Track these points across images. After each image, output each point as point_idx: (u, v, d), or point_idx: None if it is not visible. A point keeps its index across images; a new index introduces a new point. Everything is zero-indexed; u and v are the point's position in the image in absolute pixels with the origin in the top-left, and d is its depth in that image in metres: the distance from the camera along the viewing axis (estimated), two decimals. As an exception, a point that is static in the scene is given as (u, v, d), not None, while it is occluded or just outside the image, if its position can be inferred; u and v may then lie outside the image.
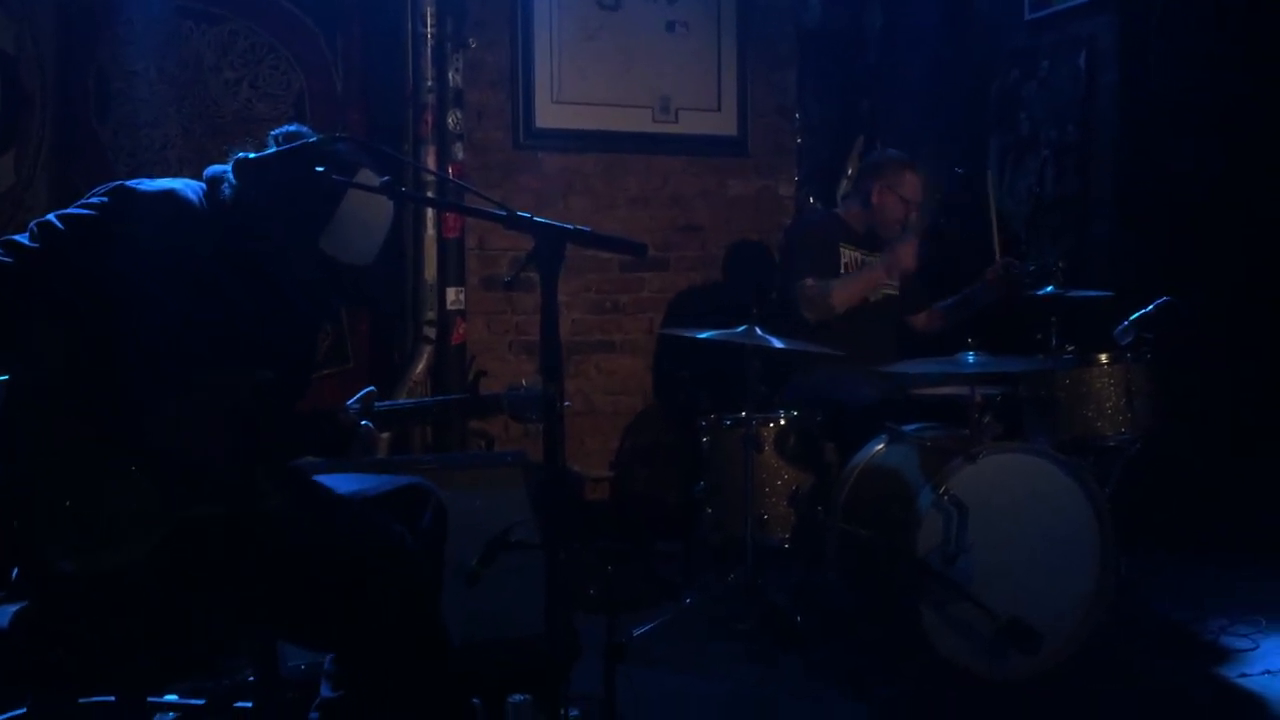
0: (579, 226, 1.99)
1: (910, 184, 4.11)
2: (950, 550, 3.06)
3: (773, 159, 5.09)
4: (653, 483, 4.83)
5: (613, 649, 2.37)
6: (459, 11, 4.37)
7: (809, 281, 3.99)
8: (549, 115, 4.69)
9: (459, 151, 4.37)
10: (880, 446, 3.49)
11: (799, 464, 3.65)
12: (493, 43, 4.63)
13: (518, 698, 2.69)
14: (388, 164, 2.35)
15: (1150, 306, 3.57)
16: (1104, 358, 3.54)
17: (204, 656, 2.25)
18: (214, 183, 2.19)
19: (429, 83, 4.29)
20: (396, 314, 4.38)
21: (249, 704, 2.68)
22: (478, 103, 4.58)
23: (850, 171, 5.06)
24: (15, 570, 2.09)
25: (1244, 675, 3.19)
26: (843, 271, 4.09)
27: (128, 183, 2.16)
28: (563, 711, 2.22)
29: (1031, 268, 3.94)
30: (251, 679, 2.64)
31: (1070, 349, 3.58)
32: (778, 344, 3.56)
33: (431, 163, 4.26)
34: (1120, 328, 3.58)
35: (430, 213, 4.32)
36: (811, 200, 5.16)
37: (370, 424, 2.30)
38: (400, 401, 2.56)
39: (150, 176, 2.26)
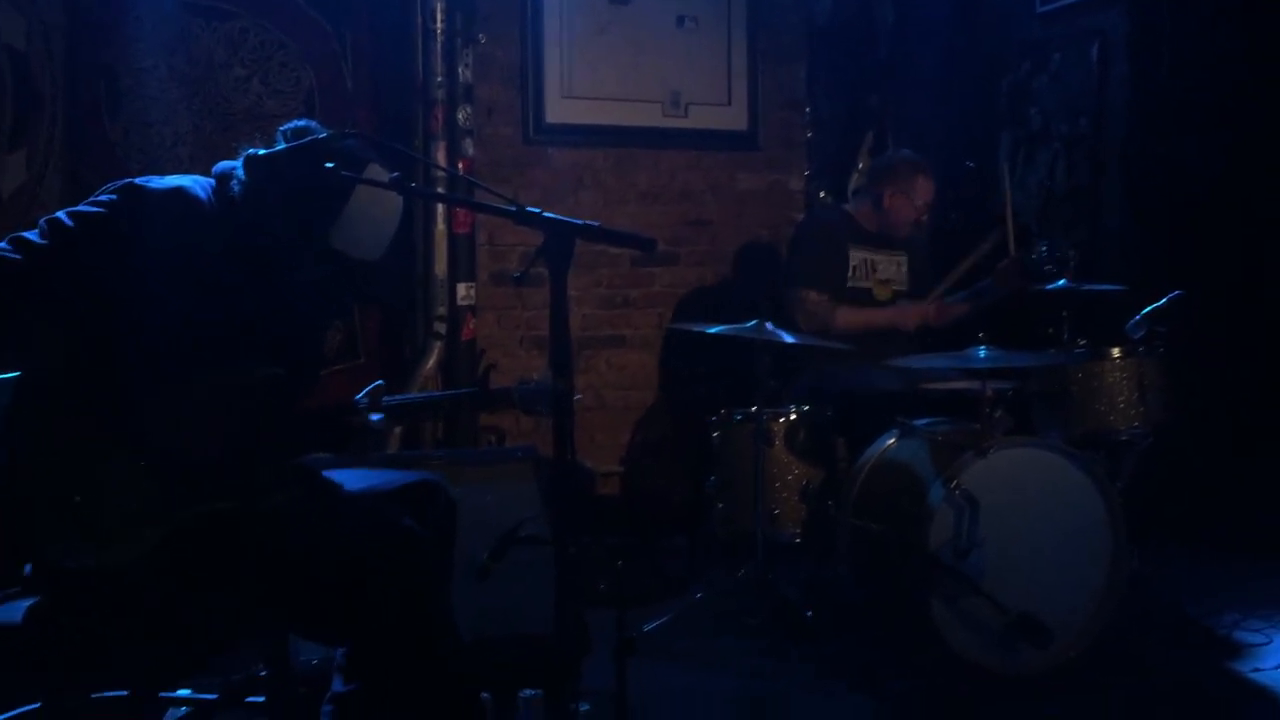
0: (589, 222, 1.99)
1: (922, 188, 4.11)
2: (961, 545, 3.06)
3: (783, 153, 5.08)
4: (663, 478, 4.83)
5: (623, 644, 2.37)
6: (469, 7, 4.37)
7: (812, 295, 3.99)
8: (559, 110, 4.69)
9: (469, 147, 4.37)
10: (891, 441, 3.48)
11: (810, 459, 3.65)
12: (502, 38, 4.62)
13: (528, 692, 2.70)
14: (397, 160, 2.35)
15: (1163, 300, 3.55)
16: (1116, 352, 3.53)
17: (215, 651, 2.25)
18: (223, 179, 2.19)
19: (439, 78, 4.29)
20: (407, 309, 4.39)
21: (261, 698, 2.68)
22: (488, 98, 4.58)
23: (861, 166, 5.05)
24: (28, 566, 2.10)
25: (1257, 670, 3.17)
26: (850, 274, 4.09)
27: (137, 180, 2.16)
28: (573, 706, 2.23)
29: (1044, 248, 3.92)
30: (263, 673, 2.65)
31: (1082, 343, 3.57)
32: (788, 339, 3.56)
33: (441, 158, 4.26)
34: (1132, 322, 3.57)
35: (440, 208, 4.32)
36: (822, 195, 5.15)
37: (380, 416, 2.30)
38: (409, 395, 2.56)
39: (161, 173, 2.26)
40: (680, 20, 4.86)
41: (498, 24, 4.60)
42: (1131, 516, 3.22)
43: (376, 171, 2.14)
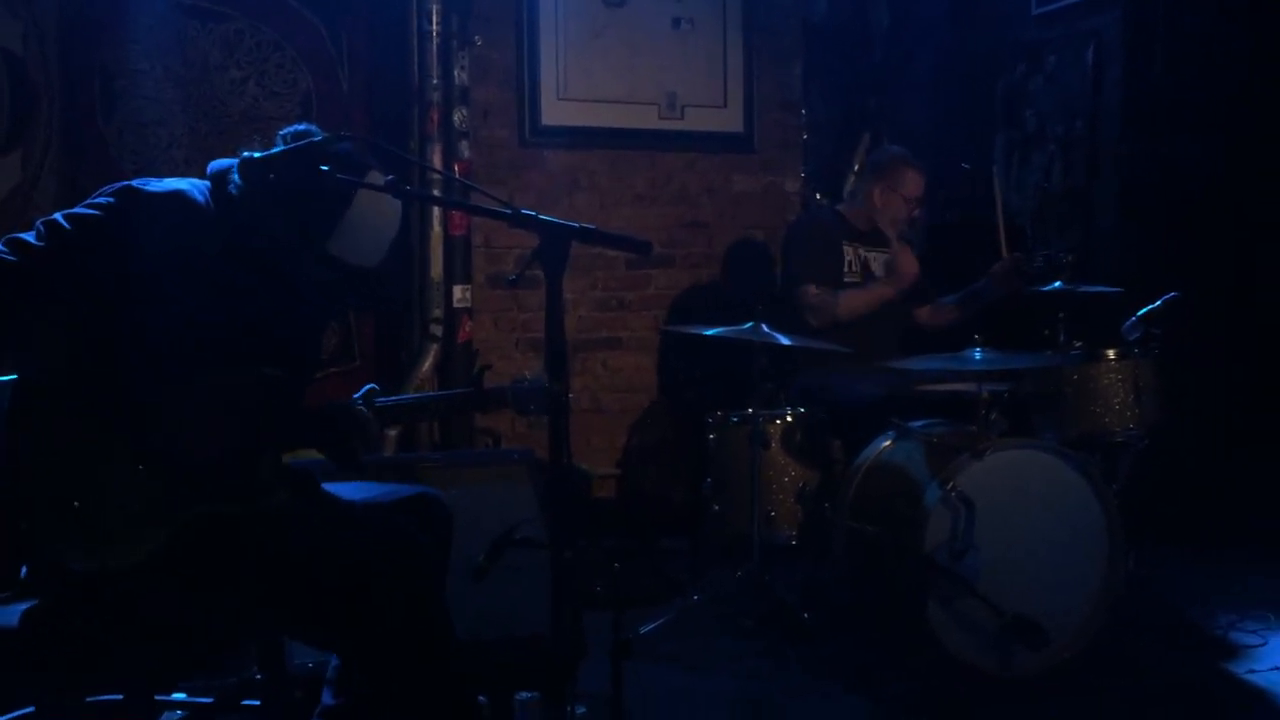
0: (584, 224, 1.99)
1: (912, 182, 4.11)
2: (957, 546, 3.06)
3: (779, 155, 5.09)
4: (659, 480, 4.83)
5: (619, 646, 2.37)
6: (464, 9, 4.37)
7: (813, 289, 3.99)
8: (555, 112, 4.69)
9: (465, 149, 4.37)
10: (887, 443, 3.48)
11: (806, 461, 3.65)
12: (498, 40, 4.62)
13: (525, 695, 2.70)
14: (393, 163, 2.35)
15: (1158, 302, 3.56)
16: (1111, 353, 3.53)
17: (211, 654, 2.25)
18: (219, 180, 2.19)
19: (435, 80, 4.29)
20: (403, 312, 4.38)
21: (256, 702, 2.68)
22: (483, 100, 4.58)
23: (857, 168, 5.06)
24: (24, 569, 2.09)
25: (1252, 671, 3.18)
26: (845, 270, 4.09)
27: (134, 183, 2.16)
28: (570, 709, 2.22)
29: (1040, 259, 3.93)
30: (259, 677, 2.65)
31: (1078, 345, 3.57)
32: (784, 341, 3.56)
33: (437, 161, 4.26)
34: (1128, 323, 3.58)
35: (436, 211, 4.33)
36: (818, 196, 5.16)
37: (366, 410, 2.28)
38: (404, 397, 2.55)
39: (156, 175, 2.26)
40: (676, 22, 4.86)
41: (493, 26, 4.60)
42: (1127, 518, 3.23)
43: (374, 177, 2.14)
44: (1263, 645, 3.35)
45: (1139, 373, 3.51)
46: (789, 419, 3.66)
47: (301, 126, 2.22)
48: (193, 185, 2.20)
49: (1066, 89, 4.72)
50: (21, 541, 2.01)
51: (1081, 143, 4.65)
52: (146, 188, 2.15)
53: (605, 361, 4.86)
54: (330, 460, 2.28)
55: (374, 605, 2.08)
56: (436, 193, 4.33)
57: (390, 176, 2.15)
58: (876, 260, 4.16)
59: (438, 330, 4.32)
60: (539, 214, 1.96)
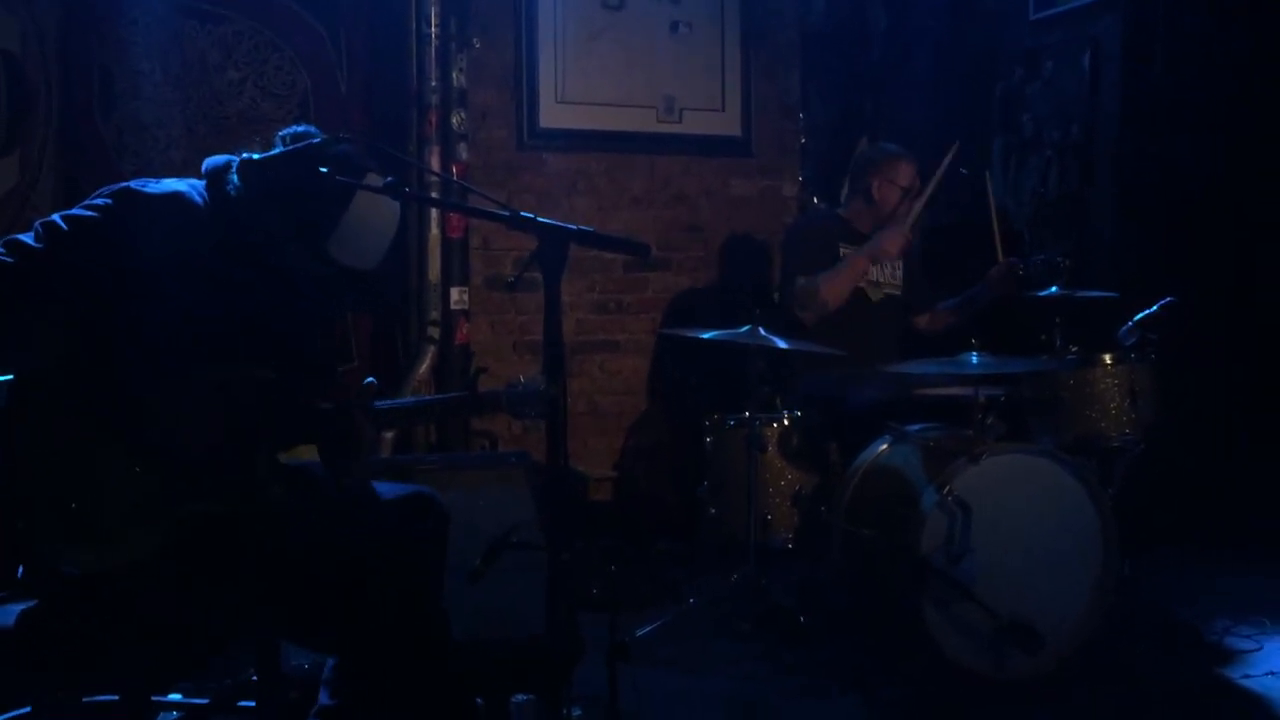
0: (582, 227, 1.99)
1: (906, 173, 4.11)
2: (953, 550, 3.06)
3: (777, 159, 5.09)
4: (656, 483, 4.83)
5: (616, 649, 2.37)
6: (463, 11, 4.38)
7: (800, 280, 3.99)
8: (553, 115, 4.70)
9: (463, 151, 4.38)
10: (884, 447, 3.49)
11: (802, 464, 3.66)
12: (497, 43, 4.63)
13: (521, 698, 2.70)
14: (392, 164, 2.35)
15: (1154, 307, 3.57)
16: (1108, 358, 3.54)
17: (207, 654, 2.25)
18: (215, 178, 2.19)
19: (433, 83, 4.29)
20: (400, 314, 4.38)
21: (252, 703, 2.68)
22: (482, 103, 4.58)
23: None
24: (20, 569, 2.09)
25: (1247, 676, 3.18)
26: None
27: (132, 184, 2.16)
28: (566, 711, 2.23)
29: (1037, 264, 3.94)
30: (254, 678, 2.64)
31: (1074, 349, 3.58)
32: (781, 344, 3.56)
33: (435, 163, 4.26)
34: (1124, 328, 3.58)
35: (434, 213, 4.33)
36: (815, 200, 5.16)
37: (364, 413, 2.28)
38: (398, 400, 2.55)
39: (155, 176, 2.26)
40: (674, 26, 4.87)
41: (492, 29, 4.60)
42: (1122, 522, 3.23)
43: (373, 179, 2.14)
44: (1258, 650, 3.36)
45: (1135, 377, 3.52)
46: (786, 422, 3.67)
47: (300, 128, 2.22)
48: (190, 186, 2.20)
49: (1064, 93, 4.73)
50: (18, 541, 2.01)
51: (1078, 147, 4.66)
52: (145, 189, 2.15)
53: (603, 364, 4.86)
54: (324, 464, 2.28)
55: (369, 604, 2.08)
56: (435, 195, 4.34)
57: (389, 178, 2.15)
58: (876, 265, 4.16)
59: (435, 332, 4.33)
60: (537, 216, 1.97)
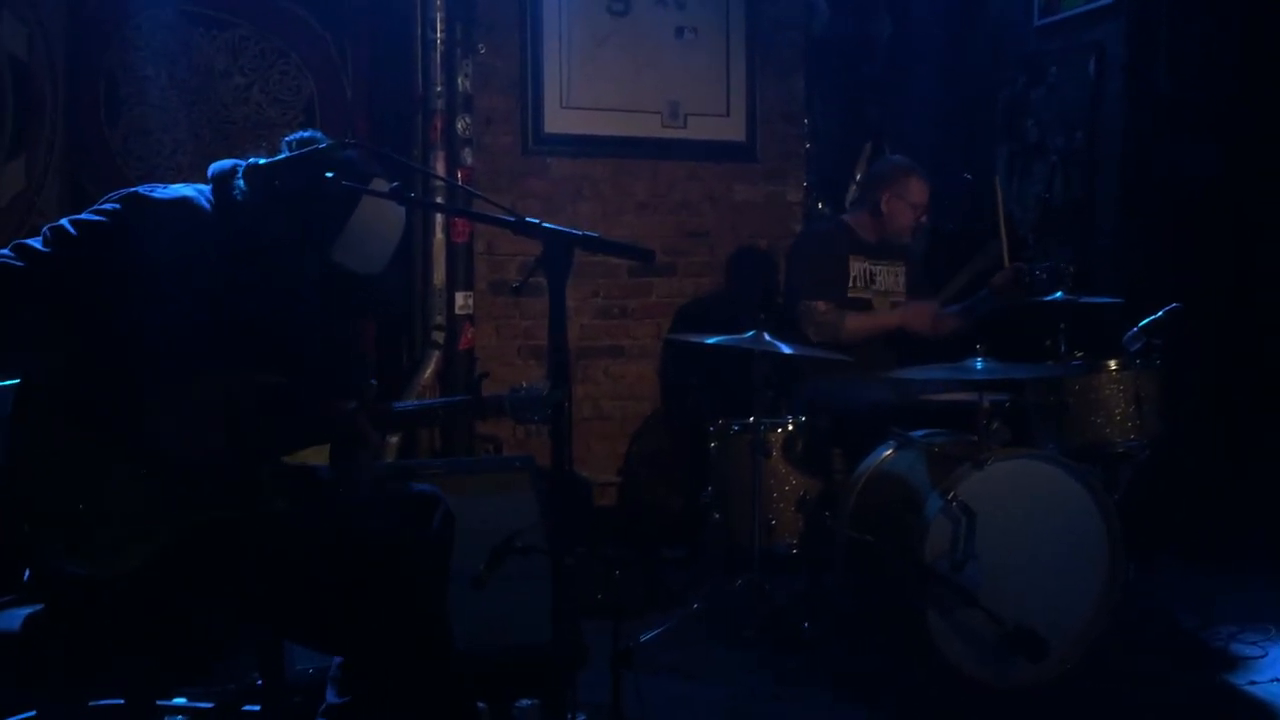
0: (587, 232, 2.00)
1: (916, 190, 4.12)
2: (958, 556, 3.06)
3: (781, 165, 5.10)
4: (660, 488, 4.83)
5: (619, 654, 2.37)
6: (468, 17, 4.38)
7: (820, 306, 4.00)
8: (558, 120, 4.70)
9: (468, 157, 4.38)
10: (888, 452, 3.49)
11: (807, 470, 3.65)
12: (502, 48, 4.64)
13: (525, 703, 2.70)
14: (397, 170, 2.36)
15: (1159, 313, 3.56)
16: (1113, 364, 3.54)
17: (213, 658, 2.26)
18: (222, 183, 2.19)
19: (438, 88, 4.30)
20: (405, 318, 4.39)
21: (256, 707, 2.68)
22: (487, 108, 4.59)
23: (859, 177, 5.07)
24: (26, 573, 2.10)
25: (1253, 683, 3.18)
26: (850, 285, 4.10)
27: (140, 189, 2.17)
28: (569, 717, 2.22)
29: (1042, 270, 3.94)
30: (259, 682, 2.65)
31: (1079, 355, 3.57)
32: (786, 350, 3.56)
33: (440, 168, 4.27)
34: (1129, 334, 3.58)
35: (439, 218, 4.33)
36: (820, 206, 5.16)
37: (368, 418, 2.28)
38: (401, 404, 2.55)
39: (160, 181, 2.27)
40: (679, 31, 4.87)
41: (497, 34, 4.61)
42: (1127, 528, 3.23)
43: (379, 184, 2.14)
44: (1263, 657, 3.35)
45: (1140, 383, 3.51)
46: (790, 428, 3.67)
47: (306, 134, 2.23)
48: (198, 191, 2.21)
49: (1067, 100, 4.73)
50: (24, 545, 2.02)
51: (1082, 154, 4.66)
52: (153, 194, 2.16)
53: (607, 369, 4.86)
54: (331, 467, 2.28)
55: (373, 608, 2.08)
56: (440, 200, 4.34)
57: (394, 183, 2.16)
58: (882, 273, 4.17)
59: (440, 337, 4.33)
60: (542, 222, 1.97)
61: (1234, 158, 4.36)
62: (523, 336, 4.71)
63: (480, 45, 4.47)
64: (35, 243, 2.06)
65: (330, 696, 2.21)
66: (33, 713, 2.19)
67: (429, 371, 4.30)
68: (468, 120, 4.37)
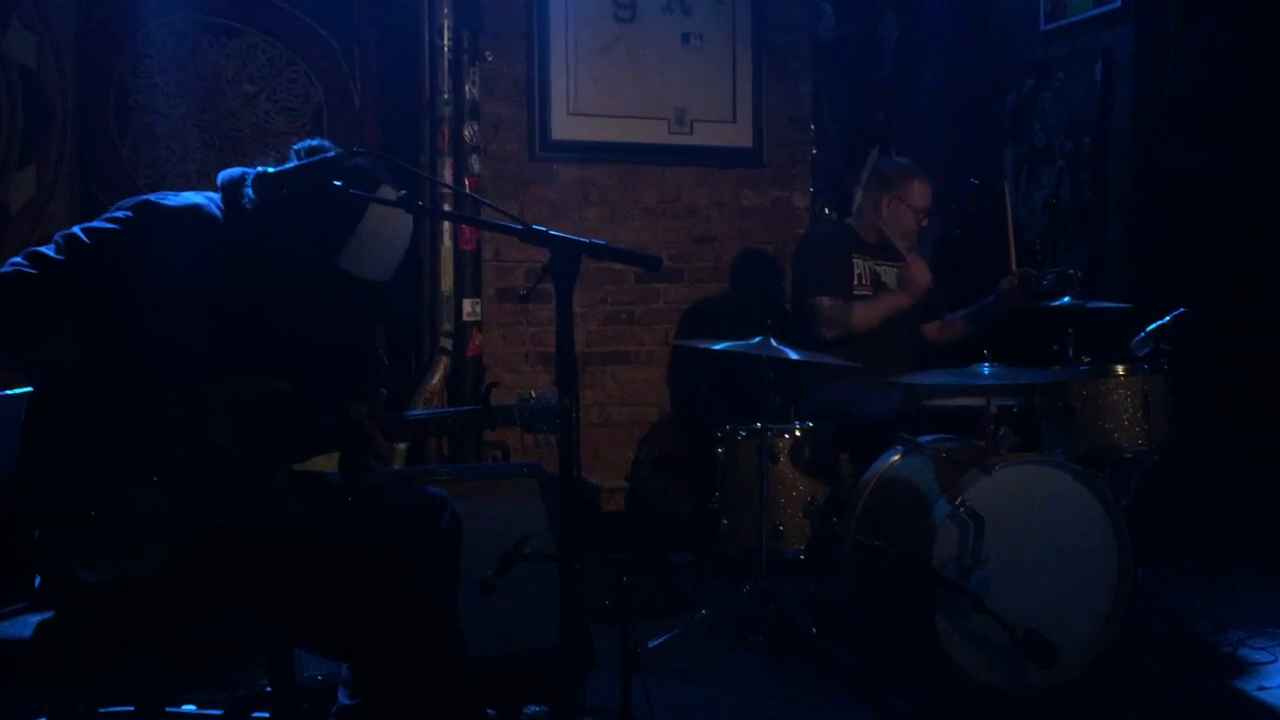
0: (594, 239, 2.00)
1: (919, 193, 4.12)
2: (966, 562, 3.05)
3: (788, 170, 5.10)
4: (668, 494, 4.84)
5: (628, 659, 2.37)
6: (475, 24, 4.39)
7: (825, 300, 4.00)
8: (565, 127, 4.71)
9: (475, 164, 4.40)
10: (896, 458, 3.49)
11: (814, 475, 3.65)
12: (509, 55, 4.65)
13: (533, 709, 2.71)
14: (405, 178, 2.37)
15: (1167, 318, 3.56)
16: (1121, 369, 3.53)
17: (222, 664, 2.26)
18: (231, 191, 2.21)
19: (445, 95, 4.31)
20: (413, 325, 4.40)
21: (266, 713, 2.69)
22: (494, 115, 4.60)
23: (864, 180, 5.07)
24: (38, 579, 2.11)
25: (1263, 688, 3.17)
26: (855, 283, 4.10)
27: (151, 197, 2.18)
28: (578, 722, 2.23)
29: (1049, 278, 3.94)
30: (268, 688, 2.65)
31: (1087, 360, 3.57)
32: (793, 355, 3.56)
33: (448, 175, 4.28)
34: (1137, 339, 3.57)
35: (447, 225, 4.35)
36: (827, 211, 5.17)
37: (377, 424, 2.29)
38: (410, 413, 2.56)
39: (169, 189, 2.28)
40: (686, 38, 4.88)
41: (504, 41, 4.62)
42: (1136, 533, 3.22)
43: (386, 192, 2.15)
44: (1273, 662, 3.34)
45: (1148, 388, 3.51)
46: (798, 433, 3.67)
47: (315, 142, 2.24)
48: (208, 199, 2.22)
49: (1075, 104, 4.73)
50: (36, 552, 2.03)
51: (1090, 158, 4.66)
52: (164, 201, 2.17)
53: (614, 375, 4.87)
54: (341, 473, 2.29)
55: (383, 610, 2.09)
56: (447, 207, 4.35)
57: (402, 191, 2.16)
58: (886, 273, 4.17)
59: (448, 344, 4.34)
60: (549, 229, 1.98)
61: (1243, 161, 4.35)
62: (530, 343, 4.72)
63: (487, 53, 4.49)
64: (48, 250, 2.07)
65: (342, 698, 2.22)
66: (43, 718, 2.20)
67: (437, 378, 4.31)
68: (475, 127, 4.39)
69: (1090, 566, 3.18)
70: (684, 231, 4.94)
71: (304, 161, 2.15)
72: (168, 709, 2.49)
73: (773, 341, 3.56)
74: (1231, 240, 4.32)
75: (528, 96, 4.69)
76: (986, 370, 3.27)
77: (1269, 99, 4.27)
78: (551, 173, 4.74)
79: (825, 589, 3.66)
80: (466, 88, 4.36)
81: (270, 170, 2.15)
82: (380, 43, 4.37)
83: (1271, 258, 4.27)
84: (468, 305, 4.38)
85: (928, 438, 3.50)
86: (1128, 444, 3.51)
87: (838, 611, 3.56)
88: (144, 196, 2.18)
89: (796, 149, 5.12)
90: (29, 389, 2.09)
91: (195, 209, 2.18)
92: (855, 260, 4.13)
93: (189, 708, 2.69)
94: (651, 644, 3.43)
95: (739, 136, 4.98)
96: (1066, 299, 3.63)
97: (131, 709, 2.19)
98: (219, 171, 2.27)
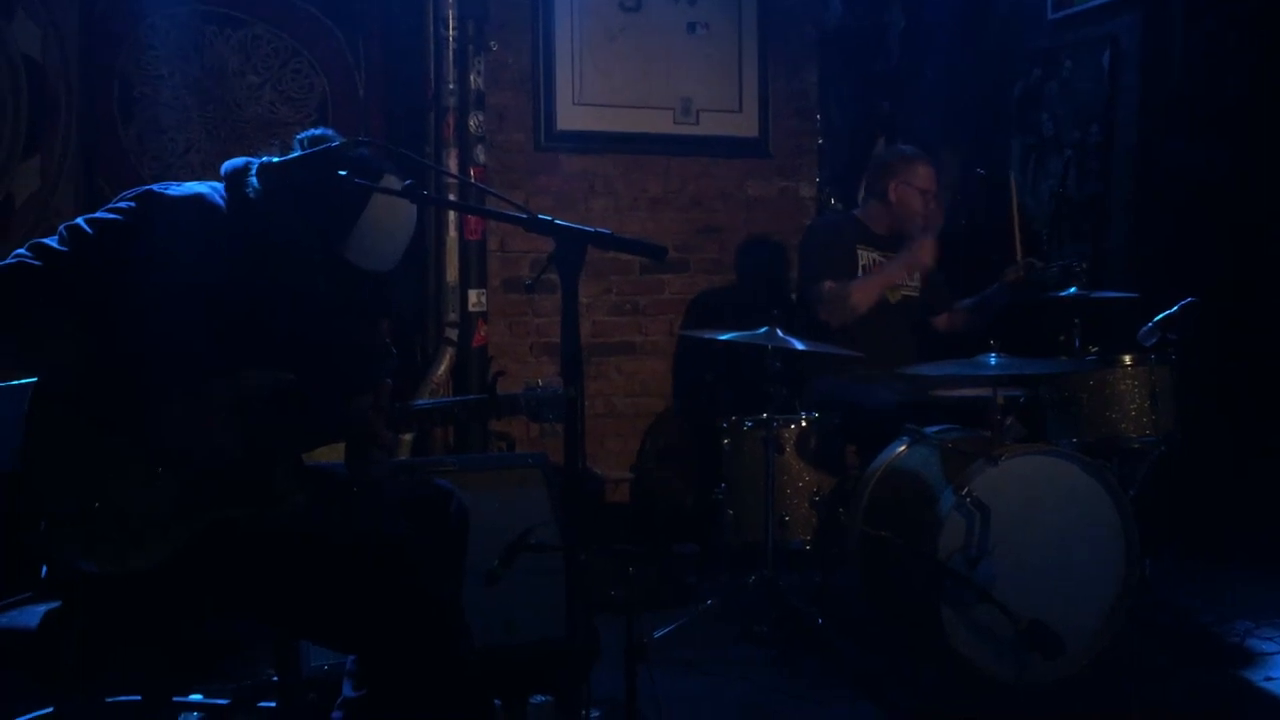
0: (599, 229, 2.00)
1: (924, 176, 4.10)
2: (972, 553, 3.05)
3: (794, 160, 5.09)
4: (673, 484, 4.83)
5: (633, 650, 2.37)
6: (480, 14, 4.39)
7: (828, 284, 3.98)
8: (570, 117, 4.70)
9: (480, 154, 4.39)
10: (902, 448, 3.48)
11: (820, 466, 3.65)
12: (514, 45, 4.64)
13: (539, 699, 2.71)
14: (409, 167, 2.36)
15: (1174, 308, 3.55)
16: (1128, 359, 3.52)
17: (228, 655, 2.27)
18: (235, 181, 2.20)
19: (450, 85, 4.30)
20: (418, 316, 4.40)
21: (272, 703, 2.69)
22: (499, 105, 4.59)
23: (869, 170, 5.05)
24: (44, 570, 2.11)
25: (1269, 679, 3.16)
26: (860, 273, 4.09)
27: (154, 187, 2.18)
28: (583, 713, 2.23)
29: (1055, 268, 3.93)
30: (274, 679, 2.66)
31: (1094, 350, 3.56)
32: (799, 346, 3.56)
33: (453, 165, 4.27)
34: (1144, 329, 3.56)
35: (452, 215, 4.34)
36: (833, 201, 5.15)
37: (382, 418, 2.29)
38: (417, 402, 2.56)
39: (174, 180, 2.28)
40: (691, 27, 4.87)
41: (509, 31, 4.61)
42: (1143, 524, 3.21)
43: (390, 181, 2.15)
44: (1279, 653, 3.33)
45: (1155, 378, 3.50)
46: (803, 424, 3.66)
47: (319, 131, 2.23)
48: (212, 189, 2.22)
49: (1082, 93, 4.71)
50: (41, 543, 2.03)
51: (1097, 148, 4.64)
52: (167, 191, 2.17)
53: (620, 366, 4.87)
54: (347, 464, 2.29)
55: (388, 601, 2.09)
56: (452, 197, 4.35)
57: (406, 181, 2.16)
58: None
59: (453, 334, 4.34)
60: (554, 219, 1.97)
61: (1250, 151, 4.32)
62: (535, 333, 4.71)
63: (492, 42, 4.48)
64: (51, 241, 2.07)
65: (347, 690, 2.22)
66: (50, 709, 2.20)
67: (442, 368, 4.31)
68: (480, 117, 4.38)
69: (1097, 558, 3.17)
70: (689, 222, 4.93)
71: (308, 151, 2.15)
72: (174, 699, 2.50)
73: (779, 332, 3.55)
74: (1232, 239, 4.30)
75: (533, 86, 4.68)
76: (993, 361, 3.26)
77: (1270, 99, 4.24)
78: (557, 163, 4.73)
79: (831, 580, 3.67)
80: (471, 78, 4.35)
81: (274, 160, 2.14)
82: (385, 33, 4.36)
83: (1272, 257, 4.25)
84: (473, 296, 4.38)
85: (934, 428, 3.49)
86: (1135, 434, 3.50)
87: (843, 603, 3.56)
88: (147, 187, 2.17)
89: (802, 139, 5.11)
90: (31, 380, 2.09)
91: (199, 199, 2.18)
92: (860, 250, 4.11)
93: (196, 697, 2.70)
94: (657, 635, 3.43)
95: (745, 126, 4.97)
96: (1073, 289, 3.62)
97: (138, 698, 2.20)
98: (222, 160, 2.26)
